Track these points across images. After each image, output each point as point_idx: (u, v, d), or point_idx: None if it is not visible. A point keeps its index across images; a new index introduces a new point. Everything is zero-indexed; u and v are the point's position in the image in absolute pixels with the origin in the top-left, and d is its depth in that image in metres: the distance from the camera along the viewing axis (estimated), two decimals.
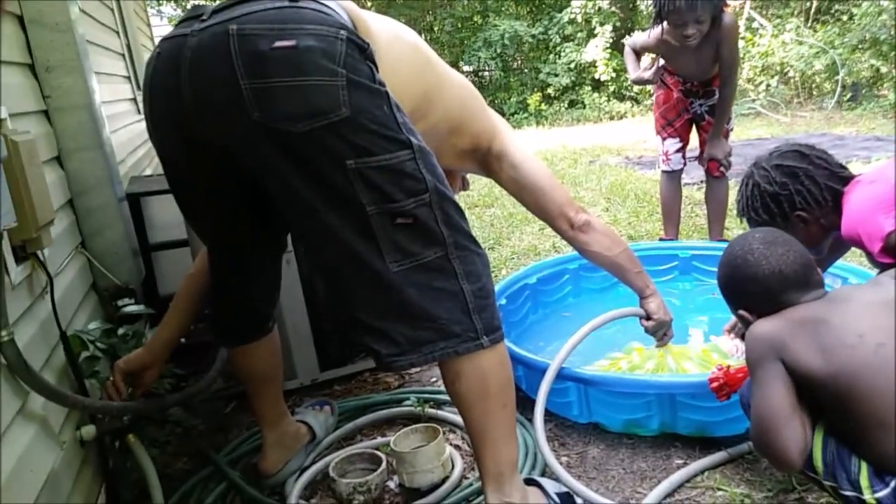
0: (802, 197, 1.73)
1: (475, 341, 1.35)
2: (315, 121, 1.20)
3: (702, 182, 3.86)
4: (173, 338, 1.81)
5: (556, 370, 1.90)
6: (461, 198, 3.95)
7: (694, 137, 3.44)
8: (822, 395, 1.29)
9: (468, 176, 2.09)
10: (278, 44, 1.18)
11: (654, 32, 3.10)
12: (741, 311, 1.51)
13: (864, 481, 1.25)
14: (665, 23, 2.99)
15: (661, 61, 3.30)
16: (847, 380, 1.25)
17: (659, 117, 3.43)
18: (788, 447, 1.29)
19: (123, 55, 4.25)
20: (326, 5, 1.31)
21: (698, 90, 3.28)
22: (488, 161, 1.80)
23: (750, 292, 1.48)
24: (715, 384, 1.69)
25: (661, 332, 2.06)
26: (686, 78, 3.27)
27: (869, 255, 1.63)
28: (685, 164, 3.45)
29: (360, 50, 1.25)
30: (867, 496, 1.24)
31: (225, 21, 1.22)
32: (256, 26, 1.20)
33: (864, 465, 1.26)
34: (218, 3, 1.30)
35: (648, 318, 2.03)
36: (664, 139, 3.43)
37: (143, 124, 1.48)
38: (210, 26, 1.24)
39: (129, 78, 4.26)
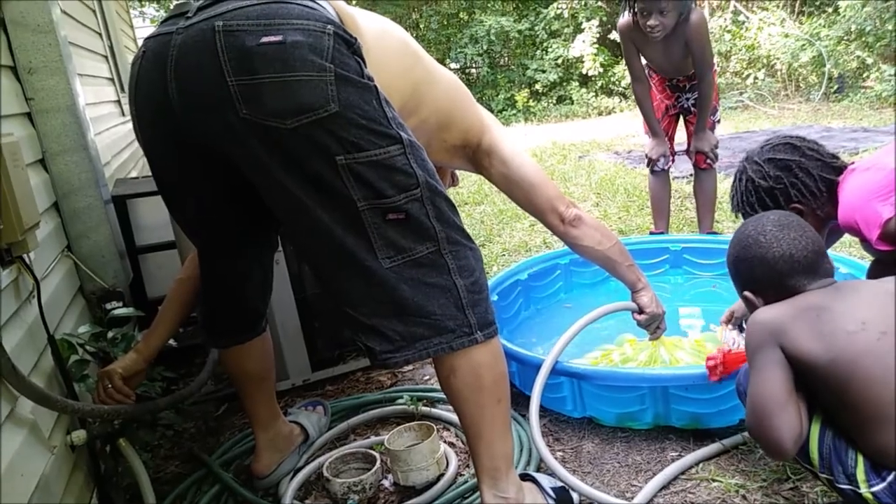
0: (798, 189, 1.71)
1: (469, 336, 1.35)
2: (303, 117, 1.18)
3: (691, 175, 3.87)
4: (164, 343, 1.79)
5: (551, 366, 1.89)
6: (451, 195, 3.95)
7: (681, 131, 3.45)
8: (821, 382, 1.28)
9: (457, 172, 2.08)
10: (265, 39, 1.17)
11: (625, 19, 3.11)
12: (746, 293, 1.48)
13: (860, 475, 1.24)
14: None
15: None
16: (846, 366, 1.23)
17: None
18: (782, 435, 1.27)
19: (107, 57, 4.22)
20: (313, 0, 1.30)
21: (684, 84, 3.28)
22: (478, 157, 1.79)
23: (758, 273, 1.45)
24: (711, 362, 1.68)
25: (653, 325, 2.06)
26: (660, 71, 3.27)
27: (865, 242, 1.62)
28: (673, 161, 3.46)
29: (348, 45, 1.24)
30: (863, 490, 1.23)
31: (211, 18, 1.21)
32: (243, 22, 1.18)
33: (860, 459, 1.25)
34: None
35: (641, 311, 2.02)
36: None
37: (128, 126, 1.46)
38: (196, 23, 1.22)
39: (112, 80, 4.24)
